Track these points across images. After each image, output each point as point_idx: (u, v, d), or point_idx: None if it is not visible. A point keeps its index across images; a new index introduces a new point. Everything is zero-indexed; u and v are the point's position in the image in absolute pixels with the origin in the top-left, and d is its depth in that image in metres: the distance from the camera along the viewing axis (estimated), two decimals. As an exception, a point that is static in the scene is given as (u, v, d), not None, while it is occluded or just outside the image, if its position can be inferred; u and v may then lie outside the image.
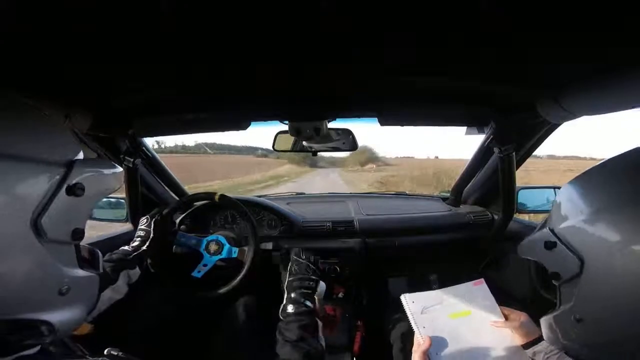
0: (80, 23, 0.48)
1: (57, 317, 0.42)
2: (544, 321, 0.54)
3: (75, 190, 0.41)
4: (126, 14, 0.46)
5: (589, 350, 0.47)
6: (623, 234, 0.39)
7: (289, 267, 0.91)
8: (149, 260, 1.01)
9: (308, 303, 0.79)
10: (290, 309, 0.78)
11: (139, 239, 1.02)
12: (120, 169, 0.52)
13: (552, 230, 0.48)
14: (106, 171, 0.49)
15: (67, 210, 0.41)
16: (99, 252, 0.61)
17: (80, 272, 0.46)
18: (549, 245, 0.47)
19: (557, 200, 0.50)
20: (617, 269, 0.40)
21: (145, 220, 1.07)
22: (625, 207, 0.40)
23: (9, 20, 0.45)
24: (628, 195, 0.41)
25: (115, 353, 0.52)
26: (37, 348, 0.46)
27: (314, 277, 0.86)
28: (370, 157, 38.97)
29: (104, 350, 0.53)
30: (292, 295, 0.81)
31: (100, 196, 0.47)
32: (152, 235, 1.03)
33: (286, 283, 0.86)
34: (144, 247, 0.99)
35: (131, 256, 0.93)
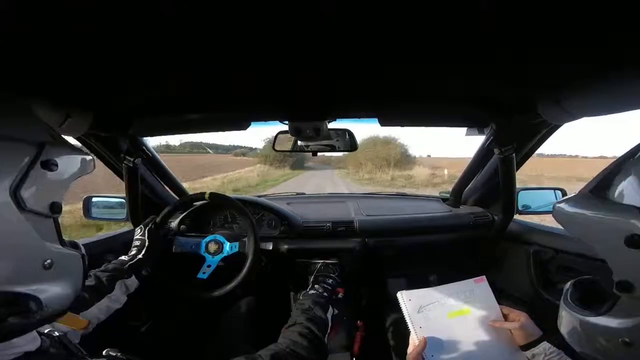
0: (80, 23, 0.48)
1: (43, 292, 0.43)
2: (571, 320, 0.42)
3: (49, 165, 0.44)
4: (126, 14, 0.46)
5: None
6: None
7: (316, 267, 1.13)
8: (148, 269, 1.02)
9: (326, 293, 0.97)
10: (311, 291, 0.97)
11: (135, 248, 1.03)
12: (89, 157, 0.54)
13: None
14: (76, 154, 0.51)
15: (43, 183, 0.44)
16: (79, 243, 0.63)
17: (63, 249, 0.47)
18: (633, 243, 0.31)
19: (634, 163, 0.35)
20: None
21: (139, 230, 1.09)
22: None
23: (9, 20, 0.45)
24: None
25: (114, 354, 0.52)
26: (38, 344, 0.47)
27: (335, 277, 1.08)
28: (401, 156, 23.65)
29: (102, 351, 0.53)
30: (316, 285, 1.00)
31: (73, 176, 0.49)
32: (147, 243, 1.04)
33: (312, 277, 1.08)
34: (140, 256, 1.00)
35: (126, 266, 0.95)
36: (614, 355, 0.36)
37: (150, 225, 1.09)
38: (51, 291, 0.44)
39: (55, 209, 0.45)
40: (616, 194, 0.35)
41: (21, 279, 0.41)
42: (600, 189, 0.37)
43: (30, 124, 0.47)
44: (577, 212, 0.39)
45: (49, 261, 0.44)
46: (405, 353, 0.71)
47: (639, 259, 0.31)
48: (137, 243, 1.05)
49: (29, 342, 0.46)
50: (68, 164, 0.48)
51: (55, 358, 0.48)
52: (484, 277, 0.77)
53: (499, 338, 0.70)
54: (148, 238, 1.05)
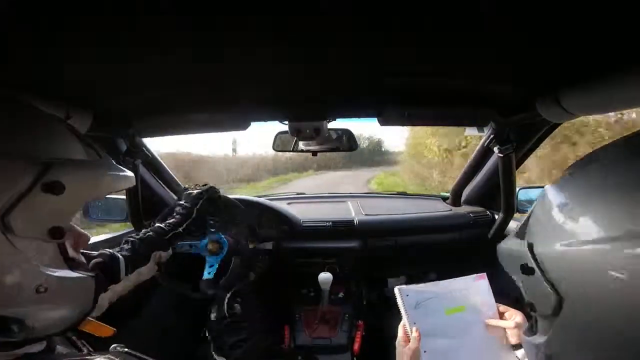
0: (80, 23, 0.48)
1: (31, 315, 0.41)
2: (524, 341, 0.48)
3: (53, 189, 0.40)
4: (126, 13, 0.46)
5: None
6: (628, 273, 0.28)
7: None
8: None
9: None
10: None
11: (178, 216, 0.92)
12: (126, 174, 0.50)
13: (530, 249, 0.37)
14: (101, 176, 0.47)
15: (42, 208, 0.40)
16: (121, 258, 0.61)
17: (66, 273, 0.44)
18: (526, 270, 0.37)
19: (536, 205, 0.40)
20: (605, 315, 0.30)
21: (189, 196, 0.96)
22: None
23: (9, 20, 0.45)
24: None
25: (121, 350, 0.52)
26: (44, 345, 0.46)
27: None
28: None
29: (109, 347, 0.53)
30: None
31: (87, 198, 0.46)
32: (194, 214, 0.94)
33: None
34: (181, 229, 0.90)
35: (168, 236, 0.86)
36: None
37: (205, 197, 0.98)
38: (43, 314, 0.42)
39: (56, 234, 0.42)
40: (521, 233, 0.42)
41: (4, 302, 0.39)
42: (522, 229, 0.43)
43: (40, 138, 0.43)
44: (503, 248, 0.48)
45: (43, 286, 0.41)
46: None
47: (531, 283, 0.36)
48: (183, 211, 0.93)
49: (33, 345, 0.45)
50: (83, 185, 0.44)
51: (58, 357, 0.48)
52: (484, 274, 0.76)
53: (493, 336, 0.70)
54: (197, 208, 0.95)
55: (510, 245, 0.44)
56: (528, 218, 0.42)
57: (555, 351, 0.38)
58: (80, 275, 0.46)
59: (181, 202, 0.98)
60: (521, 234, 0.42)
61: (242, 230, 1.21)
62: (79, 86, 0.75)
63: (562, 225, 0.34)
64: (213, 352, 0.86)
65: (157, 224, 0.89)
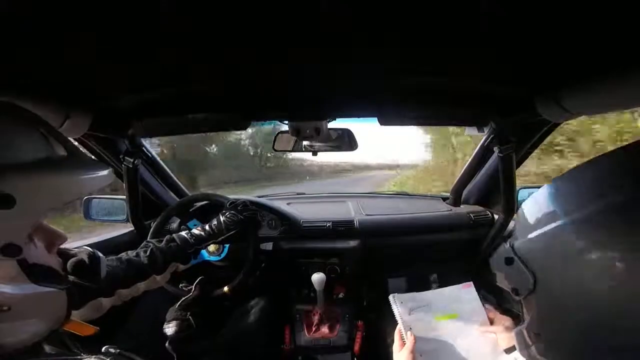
0: (79, 23, 0.48)
1: None
2: (514, 332, 0.54)
3: (1, 203, 0.35)
4: (126, 13, 0.46)
5: None
6: (576, 245, 0.37)
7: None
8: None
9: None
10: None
11: (208, 231, 0.92)
12: (102, 172, 0.46)
13: (511, 246, 0.48)
14: (68, 175, 0.43)
15: None
16: (102, 257, 0.57)
17: (31, 289, 0.40)
18: (508, 261, 0.47)
19: (518, 213, 0.50)
20: (569, 284, 0.39)
21: (229, 214, 0.97)
22: (580, 215, 0.37)
23: (9, 20, 0.45)
24: (591, 203, 0.37)
25: (113, 350, 0.51)
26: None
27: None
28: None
29: (101, 348, 0.52)
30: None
31: (46, 207, 0.41)
32: (225, 234, 0.95)
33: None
34: (208, 245, 0.90)
35: (192, 250, 0.85)
36: (537, 348, 0.47)
37: (244, 215, 0.99)
38: (8, 331, 0.39)
39: (11, 252, 0.37)
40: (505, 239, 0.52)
41: None
42: (507, 237, 0.54)
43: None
44: (494, 256, 0.55)
45: (6, 305, 0.38)
46: None
47: (513, 271, 0.46)
48: (217, 228, 0.93)
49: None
50: (38, 194, 0.39)
51: (45, 356, 0.47)
52: (471, 282, 0.81)
53: (484, 341, 0.73)
54: (232, 227, 0.95)
55: (498, 252, 0.54)
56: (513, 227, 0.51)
57: (541, 326, 0.46)
58: (49, 290, 0.42)
59: (223, 218, 0.96)
60: (505, 239, 0.54)
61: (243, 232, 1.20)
62: (78, 86, 0.75)
63: (530, 220, 0.44)
64: None
65: (183, 233, 0.87)
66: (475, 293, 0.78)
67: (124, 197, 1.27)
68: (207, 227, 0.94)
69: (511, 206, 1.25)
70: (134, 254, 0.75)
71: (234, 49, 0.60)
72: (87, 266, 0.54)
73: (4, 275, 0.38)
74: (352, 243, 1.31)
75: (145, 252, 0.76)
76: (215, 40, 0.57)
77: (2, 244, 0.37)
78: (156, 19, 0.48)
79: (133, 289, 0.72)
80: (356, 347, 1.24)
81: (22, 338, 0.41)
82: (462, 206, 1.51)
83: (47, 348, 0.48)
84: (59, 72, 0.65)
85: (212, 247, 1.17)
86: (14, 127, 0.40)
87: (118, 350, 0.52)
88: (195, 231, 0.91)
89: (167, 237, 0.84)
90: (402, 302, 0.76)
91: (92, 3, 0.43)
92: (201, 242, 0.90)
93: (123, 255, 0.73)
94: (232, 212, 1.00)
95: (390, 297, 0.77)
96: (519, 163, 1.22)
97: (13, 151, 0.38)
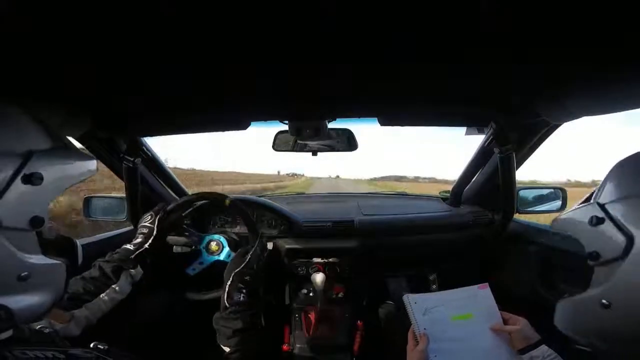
0: (80, 23, 0.48)
1: (16, 302, 0.43)
2: (560, 305, 0.52)
3: (32, 179, 0.42)
4: (126, 14, 0.46)
5: (603, 341, 0.45)
6: None
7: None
8: (154, 259, 0.98)
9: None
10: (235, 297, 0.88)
11: (141, 236, 0.98)
12: (90, 161, 0.52)
13: (601, 206, 0.44)
14: (71, 162, 0.49)
15: (23, 198, 0.42)
16: (77, 242, 0.61)
17: (43, 260, 0.46)
18: (595, 222, 0.43)
19: (609, 174, 0.47)
20: None
21: (149, 217, 1.03)
22: None
23: (9, 20, 0.45)
24: None
25: (102, 347, 0.52)
26: (10, 333, 0.46)
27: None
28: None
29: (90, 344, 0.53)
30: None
31: (63, 186, 0.48)
32: (155, 232, 0.99)
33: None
34: (147, 245, 0.96)
35: (133, 255, 0.91)
36: (597, 321, 0.44)
37: (160, 214, 1.04)
38: (26, 301, 0.44)
39: (36, 223, 0.44)
40: (596, 196, 0.48)
41: None
42: (587, 199, 0.50)
43: (22, 131, 0.45)
44: (562, 217, 0.53)
45: (25, 273, 0.43)
46: (405, 352, 0.72)
47: (599, 233, 0.43)
48: (145, 231, 0.99)
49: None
50: (59, 173, 0.46)
51: (35, 345, 0.48)
52: (487, 283, 0.80)
53: (499, 341, 0.72)
54: (157, 226, 1.00)
55: (572, 213, 0.50)
56: (599, 188, 0.48)
57: (618, 296, 0.42)
58: (55, 262, 0.48)
59: (143, 223, 1.02)
60: (586, 201, 0.49)
61: (243, 235, 1.20)
62: (78, 86, 0.75)
63: (630, 180, 0.43)
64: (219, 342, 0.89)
65: (124, 246, 0.95)
66: (491, 293, 0.78)
67: (124, 196, 1.28)
68: (138, 235, 1.00)
69: (511, 206, 1.25)
70: (87, 272, 0.84)
71: (234, 49, 0.60)
72: (63, 249, 0.57)
73: (27, 246, 0.44)
74: (352, 243, 1.31)
75: (94, 267, 0.85)
76: (215, 41, 0.57)
77: (31, 216, 0.43)
78: (157, 20, 0.48)
79: (98, 301, 0.79)
80: (356, 347, 1.24)
81: (33, 309, 0.45)
82: (461, 206, 1.51)
83: (32, 340, 0.49)
84: (59, 72, 0.65)
85: (212, 247, 1.16)
86: (31, 123, 0.47)
87: (106, 347, 0.53)
88: (135, 240, 0.98)
89: (110, 252, 0.92)
90: (416, 303, 0.76)
91: (92, 3, 0.43)
92: (140, 246, 0.95)
93: (78, 276, 0.81)
94: (145, 221, 1.03)
95: (404, 298, 0.77)
96: (519, 163, 1.21)
97: (36, 140, 0.45)
